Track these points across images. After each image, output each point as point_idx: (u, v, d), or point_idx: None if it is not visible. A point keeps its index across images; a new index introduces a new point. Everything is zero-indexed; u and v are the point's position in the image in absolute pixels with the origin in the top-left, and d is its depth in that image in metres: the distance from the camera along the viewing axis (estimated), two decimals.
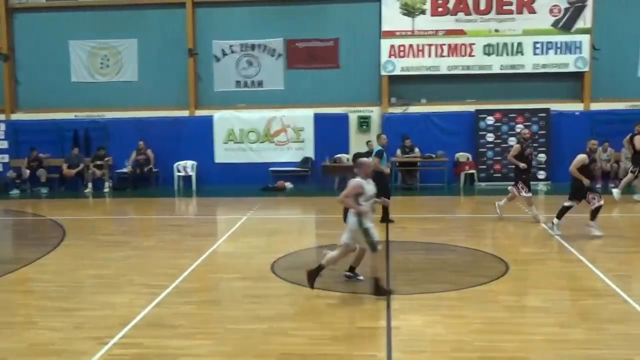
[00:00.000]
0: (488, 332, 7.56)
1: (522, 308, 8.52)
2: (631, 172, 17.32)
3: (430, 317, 8.11)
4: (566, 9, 20.50)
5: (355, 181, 8.98)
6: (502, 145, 20.47)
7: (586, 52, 20.54)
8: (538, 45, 20.72)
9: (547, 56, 20.71)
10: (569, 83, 21.04)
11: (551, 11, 20.56)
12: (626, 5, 20.53)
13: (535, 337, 7.40)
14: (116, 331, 7.54)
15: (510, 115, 20.59)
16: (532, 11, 20.65)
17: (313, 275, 9.05)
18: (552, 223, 12.90)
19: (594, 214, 12.48)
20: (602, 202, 12.46)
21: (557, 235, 12.52)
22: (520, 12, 20.69)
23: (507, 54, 20.81)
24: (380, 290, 8.80)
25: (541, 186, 19.47)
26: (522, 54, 20.78)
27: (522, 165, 14.01)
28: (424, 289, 9.23)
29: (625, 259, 11.06)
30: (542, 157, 18.78)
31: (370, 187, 9.08)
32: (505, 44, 20.80)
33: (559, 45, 20.62)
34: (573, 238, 12.35)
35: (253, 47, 21.71)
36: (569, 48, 20.59)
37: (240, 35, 21.66)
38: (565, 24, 20.55)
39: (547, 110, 20.45)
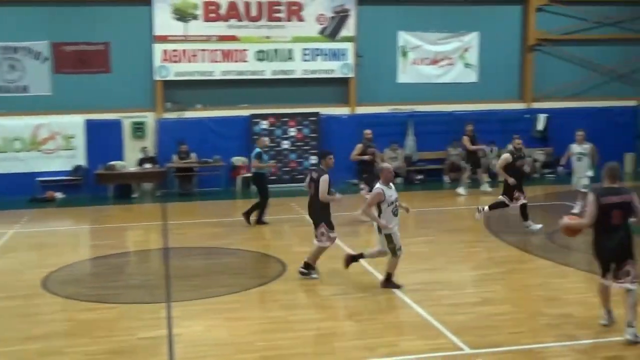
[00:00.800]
0: (268, 332, 7.82)
1: (299, 306, 8.89)
2: (463, 167, 18.87)
3: (212, 321, 8.22)
4: (332, 18, 21.57)
5: (376, 189, 8.95)
6: (277, 148, 21.02)
7: (351, 59, 21.76)
8: (307, 52, 21.57)
9: (315, 62, 21.62)
10: (336, 88, 22.13)
11: (318, 19, 21.50)
12: (386, 16, 22.01)
13: (312, 332, 7.80)
14: None
15: (283, 119, 21.22)
16: (301, 19, 21.45)
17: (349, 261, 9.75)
18: (479, 210, 13.23)
19: (524, 214, 13.03)
20: (526, 200, 13.02)
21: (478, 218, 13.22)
22: (289, 19, 21.40)
23: (279, 60, 21.45)
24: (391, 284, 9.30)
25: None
26: (293, 60, 21.54)
27: (365, 157, 14.89)
28: (205, 293, 9.31)
29: None
30: (314, 159, 19.56)
31: (391, 192, 9.12)
32: (276, 50, 21.40)
33: (326, 52, 21.64)
34: (345, 235, 13.06)
35: (15, 49, 20.33)
36: (335, 55, 21.69)
37: (0, 37, 20.20)
38: (331, 32, 21.61)
39: (316, 114, 21.36)
